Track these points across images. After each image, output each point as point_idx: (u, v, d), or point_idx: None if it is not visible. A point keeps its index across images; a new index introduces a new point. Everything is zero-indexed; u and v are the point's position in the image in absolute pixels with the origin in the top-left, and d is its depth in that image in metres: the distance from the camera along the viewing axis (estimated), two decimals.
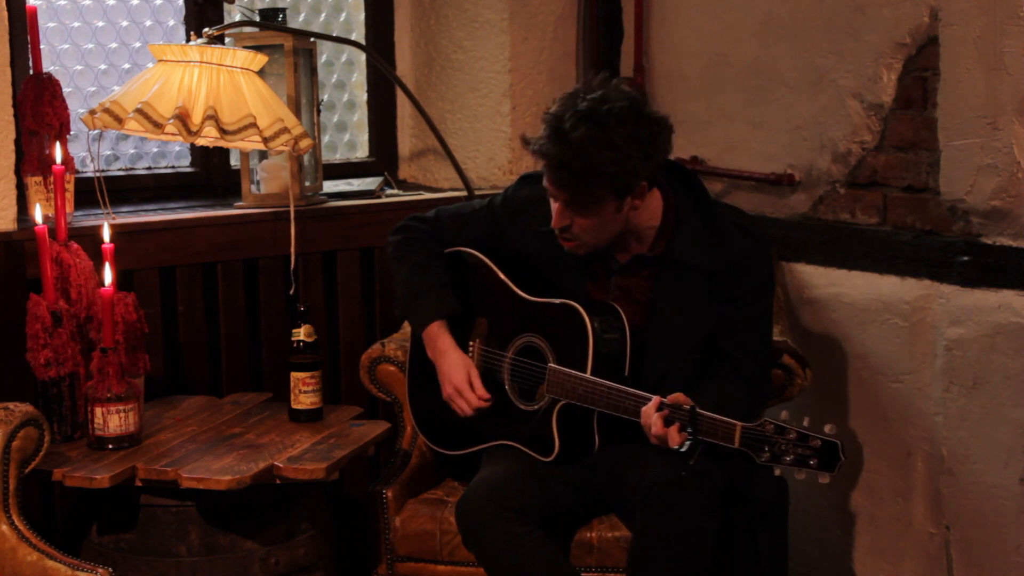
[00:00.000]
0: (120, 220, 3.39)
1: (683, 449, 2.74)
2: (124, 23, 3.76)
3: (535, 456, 3.00)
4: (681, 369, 2.98)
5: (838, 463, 2.63)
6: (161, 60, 3.22)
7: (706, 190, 3.10)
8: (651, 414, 2.78)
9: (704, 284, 2.99)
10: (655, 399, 2.80)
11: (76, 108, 3.51)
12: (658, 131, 2.90)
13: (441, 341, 3.09)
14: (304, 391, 3.19)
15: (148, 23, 3.79)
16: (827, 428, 2.65)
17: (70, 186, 3.26)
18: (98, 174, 3.39)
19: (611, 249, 3.04)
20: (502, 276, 3.13)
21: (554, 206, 2.93)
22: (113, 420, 2.95)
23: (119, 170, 3.76)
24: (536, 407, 3.02)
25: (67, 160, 3.25)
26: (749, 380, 2.99)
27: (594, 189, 2.86)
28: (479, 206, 3.25)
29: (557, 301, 3.01)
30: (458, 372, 3.06)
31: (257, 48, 3.46)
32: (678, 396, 2.78)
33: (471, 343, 3.15)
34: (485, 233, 3.20)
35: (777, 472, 2.69)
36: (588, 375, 2.91)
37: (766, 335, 3.09)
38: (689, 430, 2.73)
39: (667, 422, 2.76)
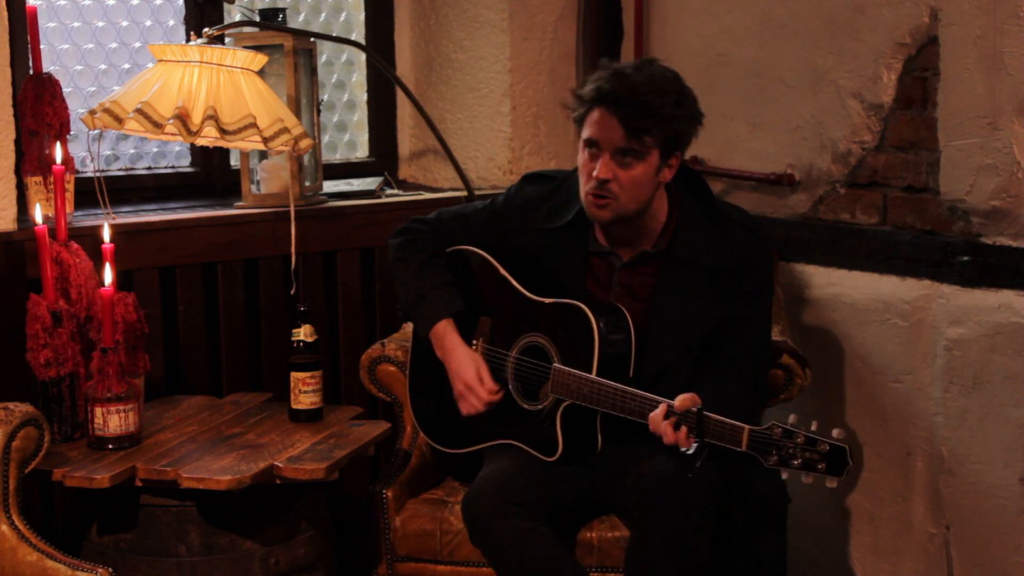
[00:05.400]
0: (120, 220, 3.39)
1: (690, 451, 2.74)
2: (124, 23, 3.76)
3: (538, 456, 3.00)
4: (681, 366, 2.99)
5: (846, 468, 2.63)
6: (161, 60, 3.22)
7: (710, 189, 3.11)
8: (659, 422, 2.78)
9: (706, 281, 3.00)
10: (662, 405, 2.79)
11: (76, 108, 3.51)
12: (697, 102, 2.97)
13: (449, 339, 3.08)
14: (304, 391, 3.19)
15: (148, 23, 3.79)
16: (835, 432, 2.65)
17: (70, 186, 3.26)
18: (98, 174, 3.39)
19: (616, 243, 3.04)
20: (506, 275, 3.13)
21: (600, 160, 2.91)
22: (113, 420, 2.95)
23: (119, 170, 3.76)
24: (540, 407, 3.02)
25: (67, 160, 3.25)
26: (748, 380, 3.00)
27: (650, 129, 2.87)
28: (481, 206, 3.25)
29: (563, 301, 3.01)
30: (468, 368, 3.05)
31: (257, 48, 3.46)
32: (685, 399, 2.78)
33: (474, 342, 3.14)
34: (487, 232, 3.19)
35: (784, 476, 2.69)
36: (593, 376, 2.91)
37: (765, 336, 3.09)
38: (696, 433, 2.73)
39: (675, 427, 2.76)
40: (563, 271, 3.07)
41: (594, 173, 2.91)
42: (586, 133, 2.93)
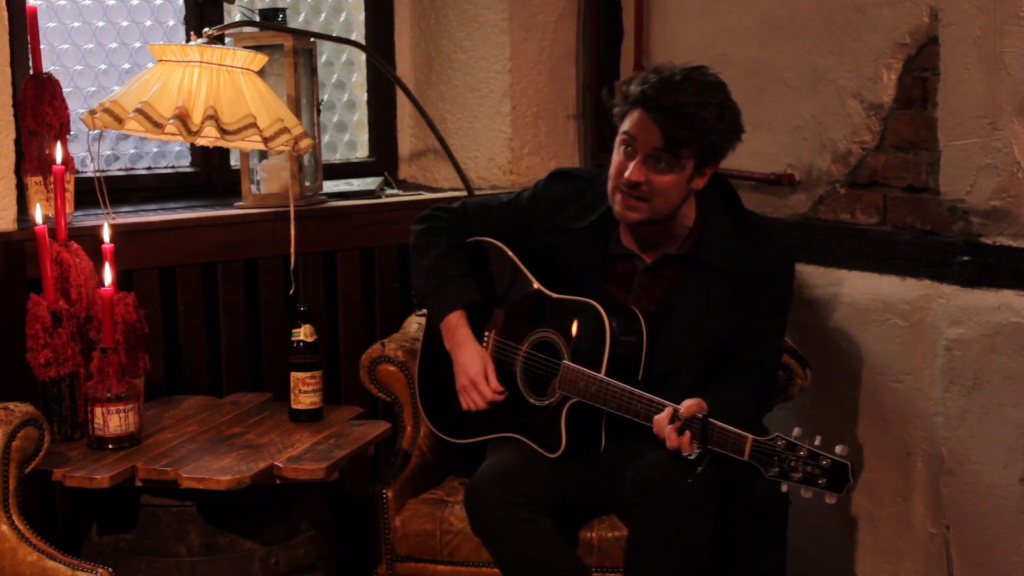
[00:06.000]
0: (120, 220, 3.39)
1: (692, 457, 2.74)
2: (124, 23, 3.76)
3: (541, 451, 3.00)
4: (689, 370, 2.98)
5: (847, 484, 2.63)
6: (161, 60, 3.22)
7: (739, 197, 3.11)
8: (664, 426, 2.78)
9: (726, 288, 2.99)
10: (668, 409, 2.79)
11: (76, 108, 3.51)
12: (739, 116, 2.96)
13: (460, 332, 3.08)
14: (304, 391, 3.19)
15: (148, 23, 3.79)
16: (839, 449, 2.65)
17: (70, 186, 3.26)
18: (98, 174, 3.39)
19: (640, 246, 3.04)
20: (524, 269, 3.13)
21: (634, 161, 2.90)
22: (113, 420, 2.95)
23: (119, 170, 3.76)
24: (546, 403, 3.02)
25: (67, 160, 3.25)
26: (756, 390, 3.00)
27: (689, 141, 2.86)
28: (505, 199, 3.25)
29: (577, 299, 3.01)
30: (475, 364, 3.05)
31: (257, 48, 3.46)
32: (691, 405, 2.77)
33: (487, 333, 3.14)
34: (510, 226, 3.19)
35: (784, 488, 2.69)
36: (602, 375, 2.90)
37: (777, 348, 3.09)
38: (700, 439, 2.73)
39: (679, 432, 2.76)
40: (581, 270, 3.07)
41: (626, 174, 2.91)
42: (625, 126, 2.93)
